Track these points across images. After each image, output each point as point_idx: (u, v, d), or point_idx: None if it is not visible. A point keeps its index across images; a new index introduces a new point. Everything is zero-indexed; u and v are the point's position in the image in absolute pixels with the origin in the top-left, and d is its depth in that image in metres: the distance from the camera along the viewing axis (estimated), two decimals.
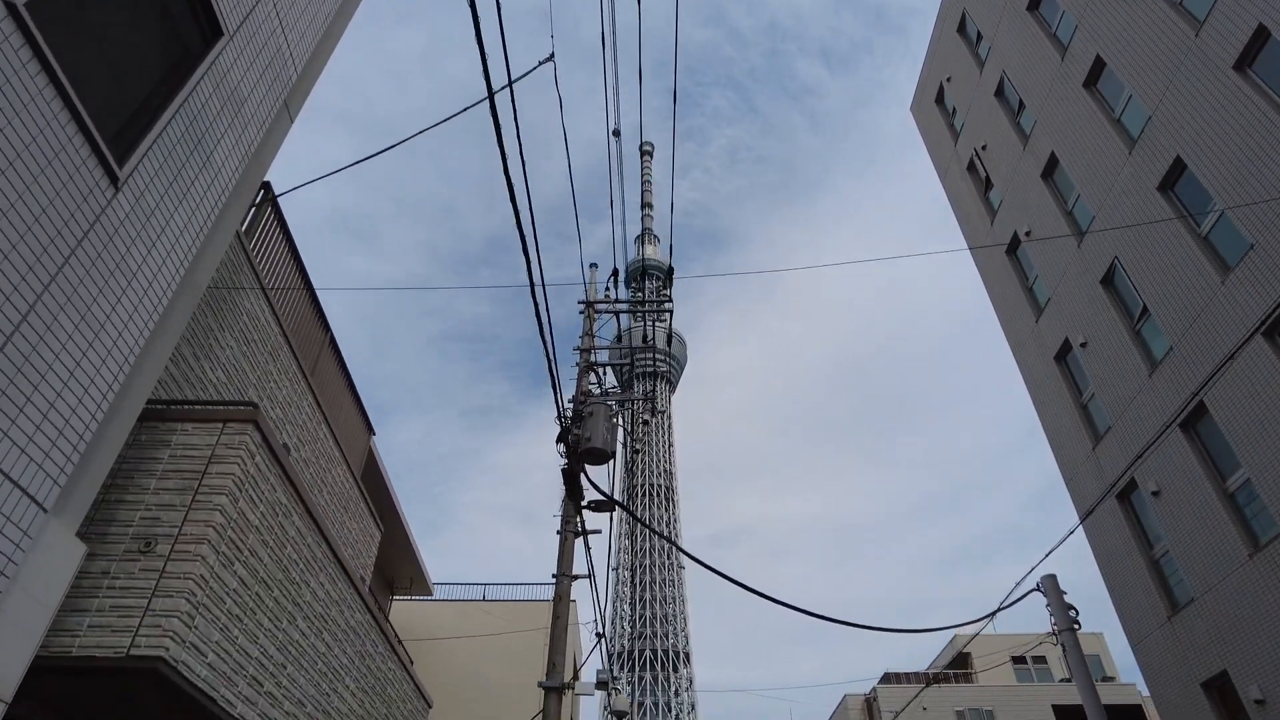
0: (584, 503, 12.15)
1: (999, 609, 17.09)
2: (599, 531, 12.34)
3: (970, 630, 19.03)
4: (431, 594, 18.60)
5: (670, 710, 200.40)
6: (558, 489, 11.58)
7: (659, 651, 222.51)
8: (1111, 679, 36.16)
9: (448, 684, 19.22)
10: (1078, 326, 14.88)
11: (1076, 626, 17.15)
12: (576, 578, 11.52)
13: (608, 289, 16.45)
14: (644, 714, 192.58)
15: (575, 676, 11.01)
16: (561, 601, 11.09)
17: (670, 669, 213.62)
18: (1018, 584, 15.77)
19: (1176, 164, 11.97)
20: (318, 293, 8.97)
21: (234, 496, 4.75)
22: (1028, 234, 16.83)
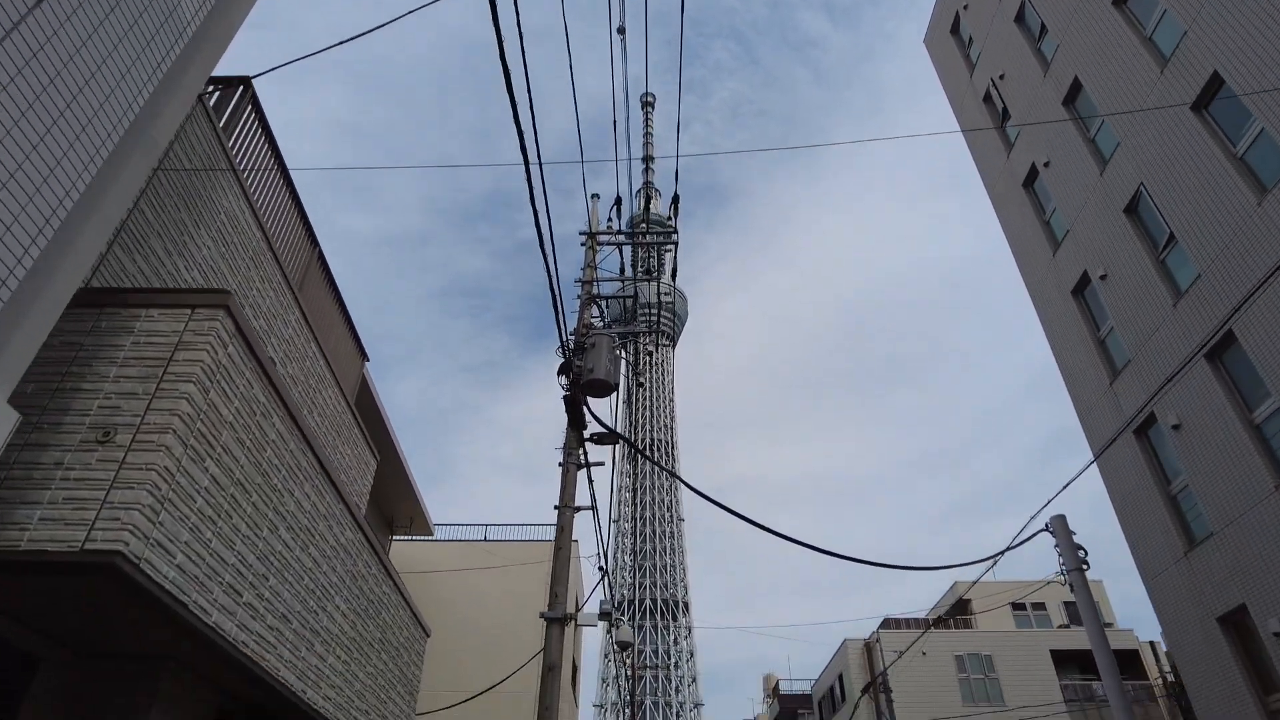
0: (586, 435, 11.80)
1: (1007, 549, 16.85)
2: (601, 464, 12.01)
3: (978, 569, 18.80)
4: (432, 534, 18.37)
5: (670, 657, 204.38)
6: (559, 442, 11.25)
7: (659, 601, 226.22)
8: (1110, 625, 36.37)
9: (450, 624, 19.12)
10: (1098, 258, 14.34)
11: (1085, 567, 16.99)
12: (579, 509, 11.20)
13: (610, 221, 15.85)
14: (643, 661, 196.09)
15: (578, 609, 10.76)
16: (564, 533, 10.77)
17: (670, 618, 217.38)
18: (1026, 524, 15.48)
19: (1213, 80, 11.31)
20: (302, 202, 8.44)
21: (203, 386, 4.31)
22: (1046, 165, 16.19)
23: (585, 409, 11.32)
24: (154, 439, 4.00)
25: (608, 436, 11.72)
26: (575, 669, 19.74)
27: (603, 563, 11.98)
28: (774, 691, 45.82)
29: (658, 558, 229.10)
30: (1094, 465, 14.59)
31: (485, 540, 20.23)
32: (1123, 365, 13.73)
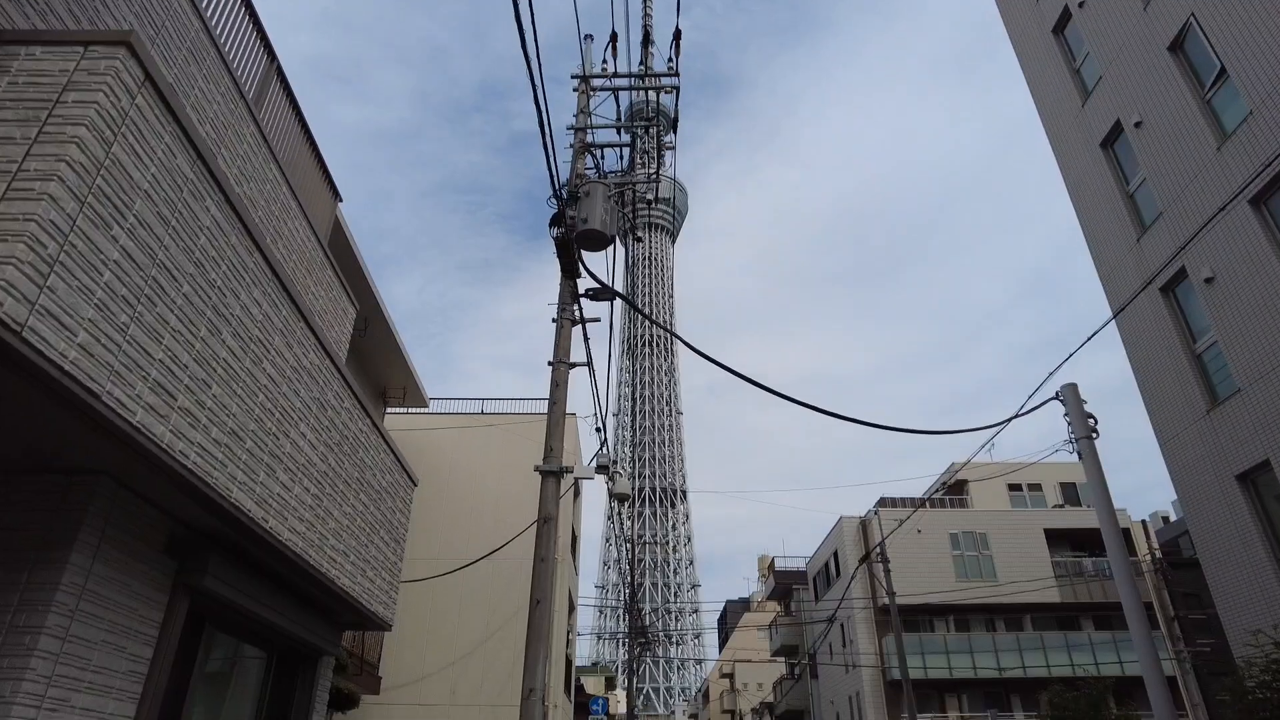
0: (581, 291, 11.08)
1: (1016, 415, 16.41)
2: (598, 320, 11.30)
3: (978, 442, 18.43)
4: (426, 406, 17.94)
5: (669, 542, 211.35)
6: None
7: (657, 489, 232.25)
8: None
9: (449, 497, 18.96)
10: (1133, 104, 13.24)
11: (1095, 435, 16.62)
12: (574, 365, 10.59)
13: (604, 64, 14.60)
14: (643, 547, 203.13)
15: (571, 467, 10.31)
16: (559, 388, 10.19)
17: (668, 505, 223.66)
18: (1036, 390, 14.93)
19: None
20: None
21: (101, 135, 3.52)
22: (1081, 4, 14.82)
23: (578, 260, 10.56)
24: (34, 187, 3.24)
25: (604, 292, 11.02)
26: (575, 538, 19.77)
27: (599, 423, 11.50)
28: (769, 569, 47.05)
29: (656, 449, 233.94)
30: (1113, 342, 13.96)
31: (483, 413, 19.86)
32: (1152, 220, 12.88)
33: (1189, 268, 11.83)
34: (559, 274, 10.76)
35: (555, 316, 10.64)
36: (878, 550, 20.71)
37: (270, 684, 6.33)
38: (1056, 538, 34.85)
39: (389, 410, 18.11)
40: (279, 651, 6.46)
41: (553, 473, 9.71)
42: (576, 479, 10.27)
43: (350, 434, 6.62)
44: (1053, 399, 16.95)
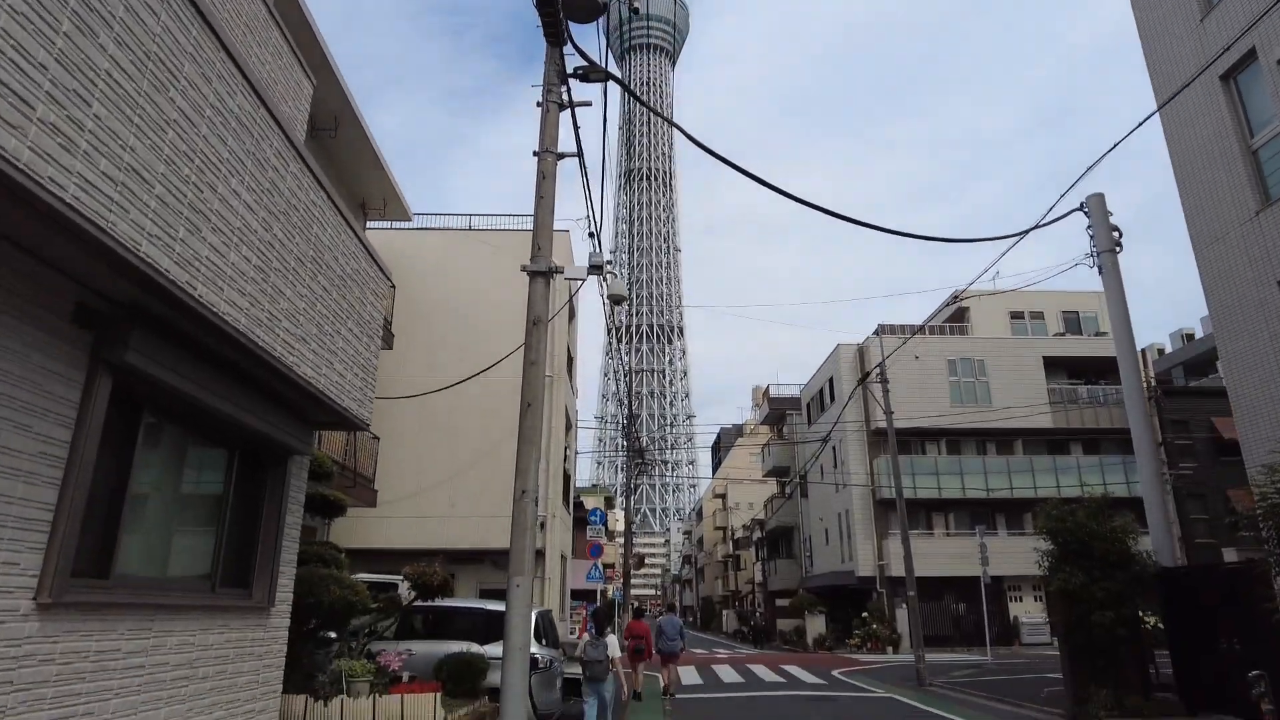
0: (570, 71, 9.77)
1: (1036, 226, 15.40)
2: (588, 104, 10.04)
3: (994, 249, 17.52)
4: (410, 220, 16.90)
5: (665, 376, 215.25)
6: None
7: (654, 326, 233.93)
8: (1104, 333, 36.58)
9: (438, 318, 18.29)
10: None
11: (1118, 249, 15.74)
12: (562, 156, 9.51)
13: None
14: (640, 379, 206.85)
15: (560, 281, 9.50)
16: (545, 180, 9.16)
17: (665, 341, 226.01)
18: (1060, 198, 13.90)
19: None
20: None
21: None
22: None
23: (562, 22, 9.20)
24: None
25: (594, 72, 9.71)
26: (571, 359, 19.38)
27: (593, 227, 10.57)
28: (764, 396, 47.66)
29: (653, 286, 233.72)
30: (1125, 173, 12.74)
31: (470, 229, 18.83)
32: None
33: (1260, 48, 10.48)
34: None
35: (540, 100, 9.44)
36: (876, 371, 20.39)
37: (234, 483, 5.80)
38: (1054, 365, 34.87)
39: (370, 225, 17.08)
40: (242, 449, 5.89)
41: (541, 273, 8.89)
42: (568, 279, 9.46)
43: (300, 205, 5.70)
44: (1076, 210, 15.98)
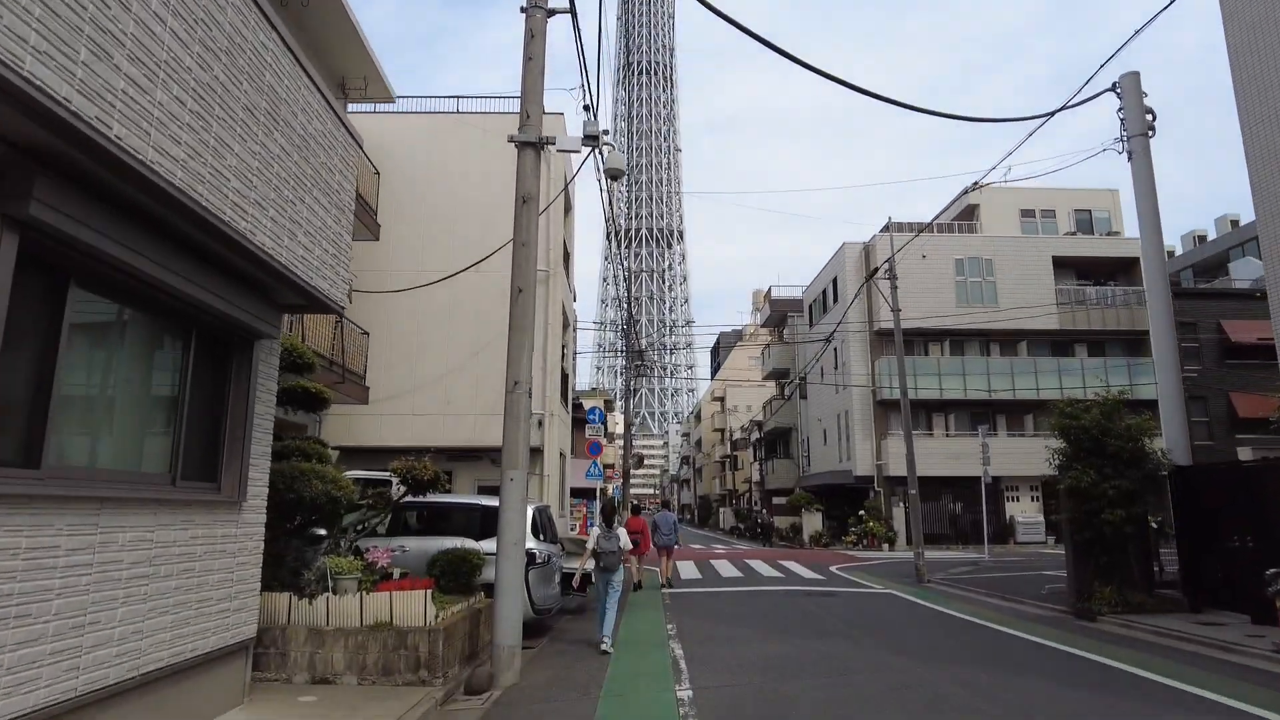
0: None
1: (1065, 107, 14.41)
2: None
3: (1018, 135, 16.44)
4: (393, 101, 15.78)
5: (664, 281, 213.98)
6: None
7: (654, 230, 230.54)
8: (1116, 233, 35.62)
9: (425, 209, 17.42)
10: None
11: (1151, 133, 14.76)
12: (553, 13, 8.54)
13: None
14: (639, 284, 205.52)
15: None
16: (534, 40, 8.22)
17: (664, 245, 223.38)
18: (1090, 77, 12.78)
19: None
20: None
21: None
22: None
23: None
24: None
25: None
26: (567, 254, 18.61)
27: (588, 98, 9.63)
28: (765, 298, 46.96)
29: (653, 188, 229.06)
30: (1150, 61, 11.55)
31: (459, 113, 17.70)
32: None
33: None
34: None
35: None
36: (885, 266, 19.65)
37: (192, 367, 5.22)
38: (1063, 266, 34.04)
39: (351, 110, 15.99)
40: (199, 330, 5.29)
41: (530, 144, 8.10)
42: (560, 151, 8.64)
43: (248, 46, 4.89)
44: (1107, 90, 14.90)
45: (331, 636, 6.84)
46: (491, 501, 10.49)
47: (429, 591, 7.04)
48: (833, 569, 20.77)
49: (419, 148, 17.53)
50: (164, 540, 4.85)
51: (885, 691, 6.78)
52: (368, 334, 14.82)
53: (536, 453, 15.78)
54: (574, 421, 21.34)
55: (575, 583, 9.89)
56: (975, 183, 15.36)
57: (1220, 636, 9.36)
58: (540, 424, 15.59)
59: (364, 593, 7.09)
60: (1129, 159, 13.96)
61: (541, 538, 10.08)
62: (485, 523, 9.87)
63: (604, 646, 8.73)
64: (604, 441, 17.53)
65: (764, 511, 35.98)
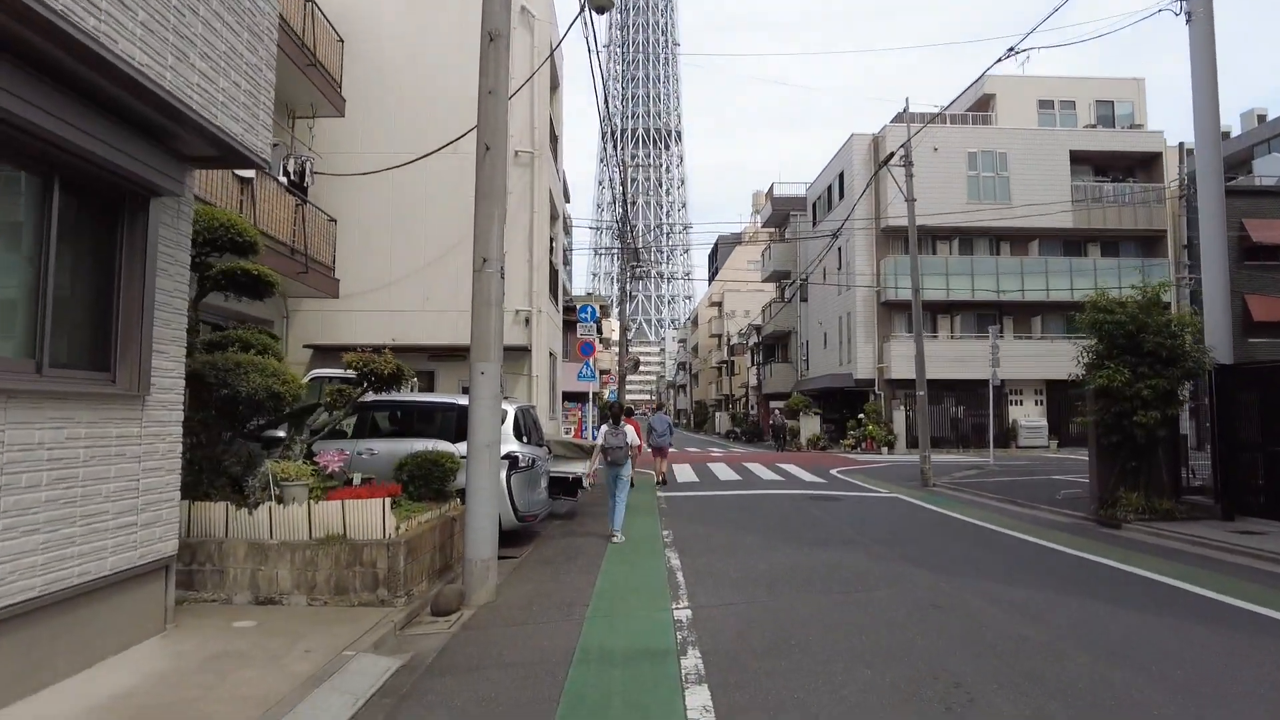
0: None
1: None
2: None
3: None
4: None
5: (661, 185, 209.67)
6: None
7: (651, 130, 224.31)
8: (1140, 126, 33.71)
9: (397, 84, 15.78)
10: None
11: None
12: None
13: None
14: (636, 188, 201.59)
15: None
16: None
17: (661, 146, 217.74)
18: None
19: None
20: None
21: None
22: None
23: None
24: None
25: None
26: (555, 137, 17.06)
27: None
28: (767, 196, 45.14)
29: (650, 86, 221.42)
30: None
31: None
32: None
33: None
34: None
35: None
36: (899, 151, 18.17)
37: (56, 226, 4.06)
38: (1081, 161, 32.32)
39: None
40: (63, 178, 4.10)
41: None
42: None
43: None
44: None
45: (276, 552, 5.93)
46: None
47: (386, 500, 6.09)
48: (833, 472, 20.15)
49: (391, 15, 15.74)
50: (25, 442, 3.81)
51: (913, 613, 5.93)
52: (335, 221, 13.53)
53: (523, 352, 14.75)
54: (567, 325, 20.27)
55: (588, 479, 10.37)
56: (1011, 48, 13.75)
57: (1266, 547, 8.57)
58: (528, 321, 14.50)
59: (312, 502, 6.15)
60: (1187, 20, 12.39)
61: (525, 440, 9.14)
62: (462, 424, 8.89)
63: (615, 539, 9.18)
64: (596, 341, 16.50)
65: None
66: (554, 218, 17.39)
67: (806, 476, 18.56)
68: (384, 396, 9.73)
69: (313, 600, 5.91)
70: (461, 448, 8.51)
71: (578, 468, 11.01)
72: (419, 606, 6.00)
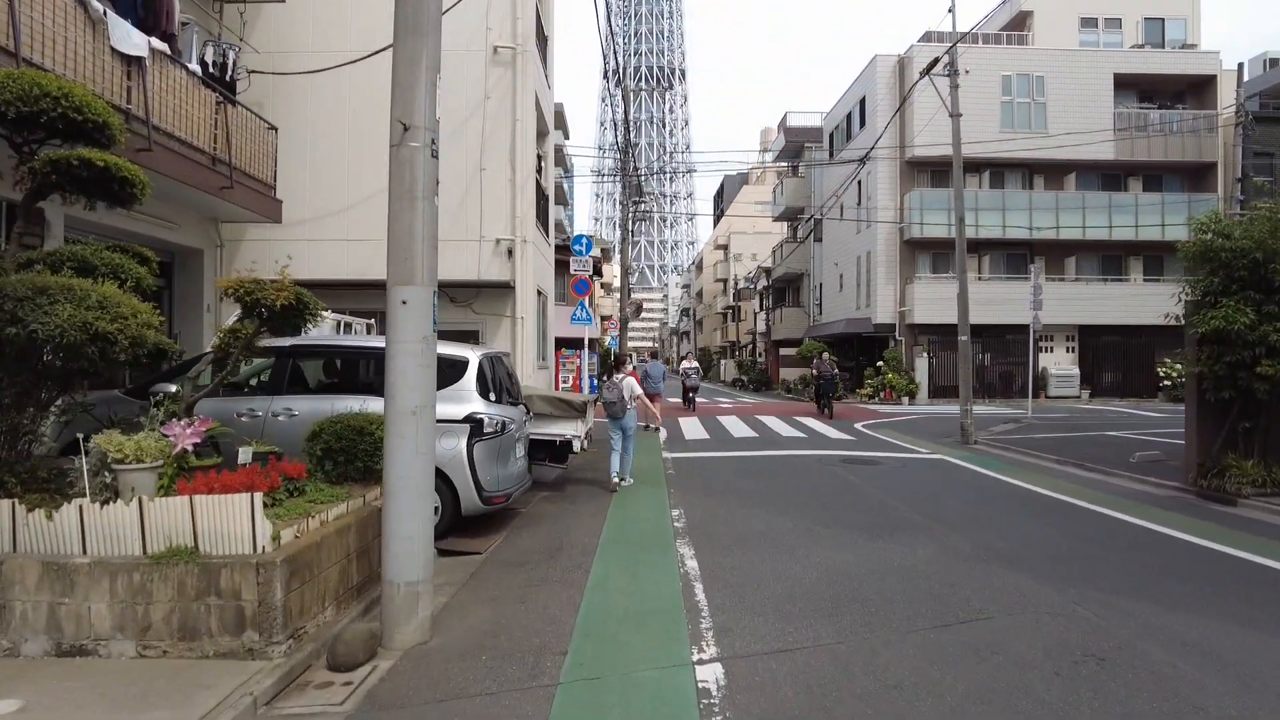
0: None
1: None
2: None
3: None
4: None
5: (665, 126, 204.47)
6: None
7: (653, 69, 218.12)
8: (1193, 45, 30.77)
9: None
10: None
11: None
12: None
13: None
14: (639, 130, 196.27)
15: None
16: None
17: (665, 86, 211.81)
18: None
19: None
20: None
21: None
22: None
23: None
24: None
25: None
26: (544, 37, 14.52)
27: None
28: (780, 127, 42.23)
29: (653, 21, 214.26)
30: None
31: None
32: None
33: None
34: None
35: None
36: (942, 61, 15.66)
37: None
38: (1125, 85, 29.50)
39: None
40: None
41: None
42: None
43: None
44: None
45: (89, 575, 3.88)
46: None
47: (255, 496, 4.00)
48: (858, 426, 18.12)
49: None
50: None
51: (1065, 670, 3.89)
52: (276, 129, 11.21)
53: (505, 289, 12.54)
54: (562, 267, 18.04)
55: (581, 441, 9.06)
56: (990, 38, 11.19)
57: None
58: (510, 252, 12.26)
59: (150, 499, 4.07)
60: None
61: (493, 398, 7.02)
62: None
63: (625, 483, 9.47)
64: (589, 275, 14.29)
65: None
66: (543, 134, 15.00)
67: (831, 432, 16.53)
68: (311, 340, 7.62)
69: (145, 649, 3.87)
70: None
71: (566, 429, 8.93)
72: (310, 655, 3.97)
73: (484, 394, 6.83)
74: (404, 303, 4.25)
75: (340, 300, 12.56)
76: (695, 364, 25.47)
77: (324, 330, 9.30)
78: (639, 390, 9.88)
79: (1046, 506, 8.52)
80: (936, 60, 15.59)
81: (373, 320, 10.86)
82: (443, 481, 6.49)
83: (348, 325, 9.94)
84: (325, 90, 12.48)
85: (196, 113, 9.11)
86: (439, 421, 6.53)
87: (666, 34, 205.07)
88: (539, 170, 13.93)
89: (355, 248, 12.62)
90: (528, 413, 7.91)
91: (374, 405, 6.11)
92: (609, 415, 9.47)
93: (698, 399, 25.84)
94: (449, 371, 6.74)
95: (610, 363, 10.14)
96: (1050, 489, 9.60)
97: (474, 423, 6.56)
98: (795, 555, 6.15)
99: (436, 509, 6.59)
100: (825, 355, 23.88)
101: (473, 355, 6.90)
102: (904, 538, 6.78)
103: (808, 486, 9.60)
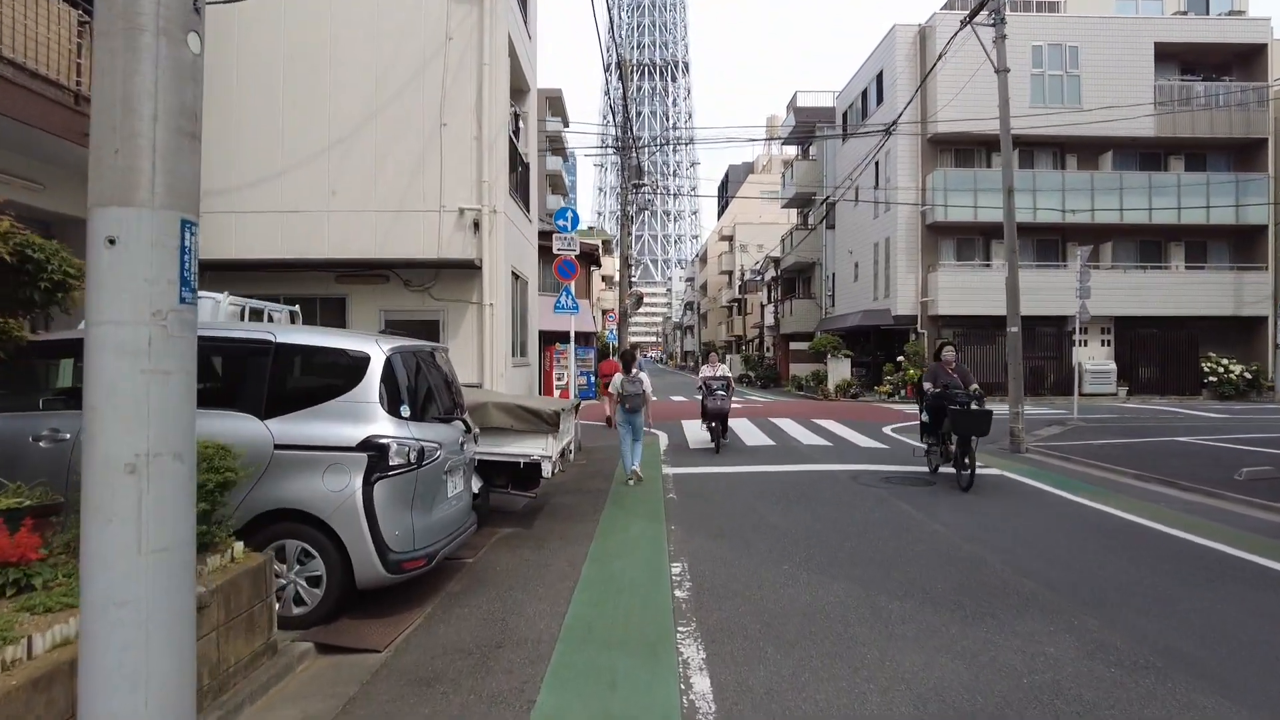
0: None
1: None
2: None
3: None
4: None
5: (669, 118, 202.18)
6: None
7: (657, 63, 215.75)
8: (1241, 12, 28.42)
9: None
10: None
11: None
12: None
13: None
14: (641, 122, 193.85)
15: None
16: None
17: (668, 79, 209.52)
18: None
19: None
20: None
21: None
22: None
23: None
24: None
25: None
26: None
27: None
28: (789, 106, 39.93)
29: (655, 13, 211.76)
30: None
31: None
32: None
33: None
34: None
35: None
36: (988, 6, 13.43)
37: None
38: (1167, 56, 27.17)
39: None
40: None
41: None
42: None
43: None
44: None
45: None
46: (298, 332, 5.22)
47: None
48: (887, 430, 15.93)
49: None
50: None
51: None
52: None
53: (469, 269, 10.33)
54: (543, 250, 15.84)
55: (554, 463, 6.96)
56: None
57: None
58: (476, 225, 10.06)
59: None
60: None
61: (407, 413, 4.80)
62: (279, 376, 4.64)
63: (637, 475, 9.51)
64: (574, 255, 12.06)
65: (772, 359, 31.01)
66: (522, 91, 12.79)
67: (859, 439, 14.34)
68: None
69: None
70: (278, 426, 4.33)
71: (532, 447, 6.75)
72: None
73: (393, 408, 4.62)
74: (111, 241, 2.06)
75: (275, 286, 10.45)
76: (725, 369, 13.41)
77: (219, 318, 7.14)
78: (649, 386, 9.95)
79: (1187, 557, 6.29)
80: (982, 5, 13.30)
81: (296, 307, 8.67)
82: (327, 538, 4.33)
83: (257, 312, 7.74)
84: (254, 25, 10.28)
85: (48, 33, 6.93)
86: (321, 450, 4.35)
87: (670, 26, 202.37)
88: (515, 132, 11.70)
89: (290, 221, 10.43)
90: (469, 430, 5.69)
91: (239, 424, 3.96)
92: (630, 410, 9.74)
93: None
94: (337, 374, 4.59)
95: (626, 359, 10.31)
96: (1171, 524, 7.37)
97: (374, 450, 4.38)
98: (864, 663, 3.95)
99: (320, 578, 4.45)
100: (949, 350, 12.25)
101: (376, 349, 4.70)
102: (1019, 623, 4.58)
103: (854, 522, 7.39)
